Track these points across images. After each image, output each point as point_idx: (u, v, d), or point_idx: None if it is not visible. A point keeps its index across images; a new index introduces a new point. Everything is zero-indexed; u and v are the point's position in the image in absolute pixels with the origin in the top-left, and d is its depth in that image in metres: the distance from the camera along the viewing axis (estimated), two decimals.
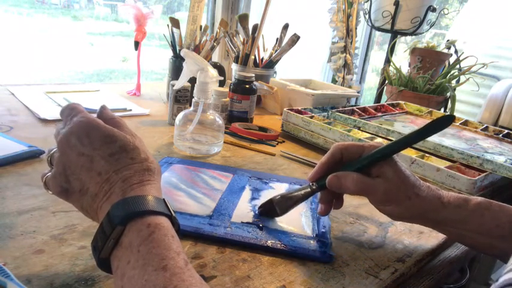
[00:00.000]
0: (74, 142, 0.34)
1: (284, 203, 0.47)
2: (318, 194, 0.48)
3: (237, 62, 1.13)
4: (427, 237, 0.51)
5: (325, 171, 0.46)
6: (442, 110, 1.27)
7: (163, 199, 0.33)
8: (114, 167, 0.33)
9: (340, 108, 0.95)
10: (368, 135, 0.80)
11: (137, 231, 0.29)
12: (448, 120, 0.42)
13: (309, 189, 0.47)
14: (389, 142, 0.44)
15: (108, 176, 0.33)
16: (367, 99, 1.98)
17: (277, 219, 0.49)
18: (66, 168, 0.34)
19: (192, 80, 0.69)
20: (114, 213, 0.30)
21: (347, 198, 0.59)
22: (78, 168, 0.33)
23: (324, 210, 0.48)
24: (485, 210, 0.43)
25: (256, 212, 0.50)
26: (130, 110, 0.90)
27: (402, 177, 0.43)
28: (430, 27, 1.32)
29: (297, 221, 0.49)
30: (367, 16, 1.37)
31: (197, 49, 1.00)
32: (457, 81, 1.30)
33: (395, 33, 1.33)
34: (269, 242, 0.44)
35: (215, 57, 1.40)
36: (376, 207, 0.46)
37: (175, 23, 0.99)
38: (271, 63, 1.13)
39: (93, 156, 0.33)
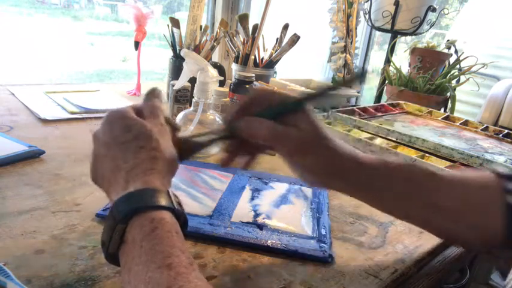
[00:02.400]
0: (99, 133, 0.36)
1: (193, 145, 0.43)
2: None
3: (237, 62, 1.13)
4: (427, 237, 0.51)
5: (240, 117, 0.42)
6: (442, 109, 1.27)
7: (168, 191, 0.32)
8: (123, 155, 0.33)
9: (340, 108, 0.95)
10: (368, 135, 0.80)
11: (140, 227, 0.28)
12: (361, 76, 0.39)
13: (217, 135, 0.43)
14: (302, 93, 0.41)
15: (117, 163, 0.33)
16: (367, 99, 1.98)
17: (277, 219, 0.49)
18: (94, 157, 0.36)
19: (192, 80, 0.69)
20: (117, 209, 0.30)
21: (347, 198, 0.59)
22: (101, 157, 0.35)
23: (225, 161, 0.44)
24: (407, 173, 0.40)
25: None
26: None
27: (316, 129, 0.40)
28: (430, 27, 1.32)
29: (297, 221, 0.49)
30: (367, 16, 1.37)
31: (197, 49, 1.00)
32: (457, 81, 1.30)
33: (395, 33, 1.33)
34: (269, 242, 0.44)
35: (215, 57, 1.40)
36: (288, 161, 0.42)
37: (175, 23, 0.99)
38: (271, 63, 1.13)
39: (111, 145, 0.34)
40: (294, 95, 0.41)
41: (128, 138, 0.34)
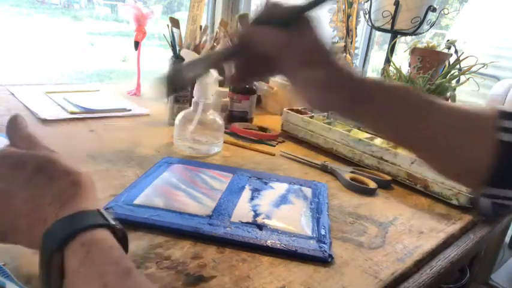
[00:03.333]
0: None
1: (194, 70, 0.41)
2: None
3: None
4: (427, 237, 0.51)
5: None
6: None
7: (97, 210, 0.31)
8: (36, 193, 0.30)
9: None
10: (368, 135, 0.80)
11: (73, 255, 0.28)
12: None
13: (221, 53, 0.41)
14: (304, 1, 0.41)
15: (33, 204, 0.30)
16: None
17: (277, 219, 0.49)
18: None
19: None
20: (44, 246, 0.28)
21: (346, 198, 0.59)
22: (2, 206, 0.31)
23: (234, 78, 0.45)
24: (404, 94, 0.40)
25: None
26: (130, 110, 0.90)
27: (321, 42, 0.40)
28: (430, 27, 1.32)
29: (297, 221, 0.49)
30: (367, 16, 1.37)
31: (197, 49, 1.00)
32: (457, 81, 1.30)
33: (395, 33, 1.33)
34: (269, 242, 0.44)
35: None
36: (293, 74, 0.42)
37: (175, 23, 0.99)
38: None
39: (9, 190, 0.30)
40: (296, 4, 0.41)
41: (29, 174, 0.31)
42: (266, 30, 0.40)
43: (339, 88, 0.40)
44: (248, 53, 0.41)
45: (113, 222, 0.30)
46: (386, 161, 0.69)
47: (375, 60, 1.91)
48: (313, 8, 0.41)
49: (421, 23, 1.27)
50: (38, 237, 0.30)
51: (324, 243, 0.45)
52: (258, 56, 0.41)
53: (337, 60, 0.40)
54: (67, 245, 0.28)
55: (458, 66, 1.26)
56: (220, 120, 0.70)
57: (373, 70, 2.03)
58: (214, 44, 1.00)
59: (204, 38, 1.02)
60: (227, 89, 0.89)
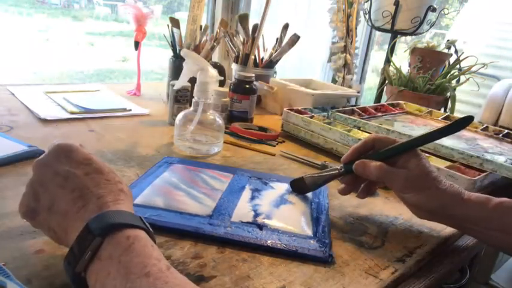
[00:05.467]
0: (51, 161, 0.35)
1: (314, 181, 0.54)
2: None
3: (237, 62, 1.13)
4: (427, 237, 0.51)
5: (356, 156, 0.51)
6: (442, 110, 1.27)
7: (139, 216, 0.33)
8: (89, 185, 0.34)
9: (340, 108, 0.95)
10: (368, 135, 0.80)
11: (116, 244, 0.29)
12: (467, 121, 0.47)
13: (336, 172, 0.52)
14: (413, 137, 0.49)
15: (81, 193, 0.33)
16: (367, 99, 1.98)
17: (277, 219, 0.49)
18: (38, 187, 0.35)
19: (192, 80, 0.69)
20: (93, 226, 0.30)
21: (346, 198, 0.59)
22: (51, 186, 0.34)
23: (343, 190, 0.53)
24: (507, 209, 0.44)
25: (289, 187, 0.57)
26: (130, 110, 0.90)
27: (425, 170, 0.46)
28: (430, 27, 1.32)
29: (297, 221, 0.49)
30: (367, 16, 1.37)
31: (197, 49, 1.00)
32: (457, 81, 1.30)
33: (395, 33, 1.33)
34: (269, 242, 0.44)
35: (215, 57, 1.40)
36: (398, 195, 0.50)
37: (175, 23, 0.99)
38: (271, 63, 1.13)
39: (68, 175, 0.34)
40: (402, 140, 0.49)
41: (90, 170, 0.35)
42: (370, 164, 0.48)
43: (435, 214, 0.48)
44: (360, 177, 0.51)
45: (151, 229, 0.33)
46: None
47: (375, 60, 1.91)
48: (417, 145, 0.48)
49: (421, 23, 1.27)
50: (62, 225, 0.33)
51: (324, 243, 0.45)
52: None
53: (443, 186, 0.46)
54: (112, 234, 0.30)
55: (458, 66, 1.26)
56: (220, 120, 0.70)
57: (373, 70, 2.03)
58: (215, 44, 1.00)
59: (204, 38, 1.03)
60: (227, 89, 0.89)
